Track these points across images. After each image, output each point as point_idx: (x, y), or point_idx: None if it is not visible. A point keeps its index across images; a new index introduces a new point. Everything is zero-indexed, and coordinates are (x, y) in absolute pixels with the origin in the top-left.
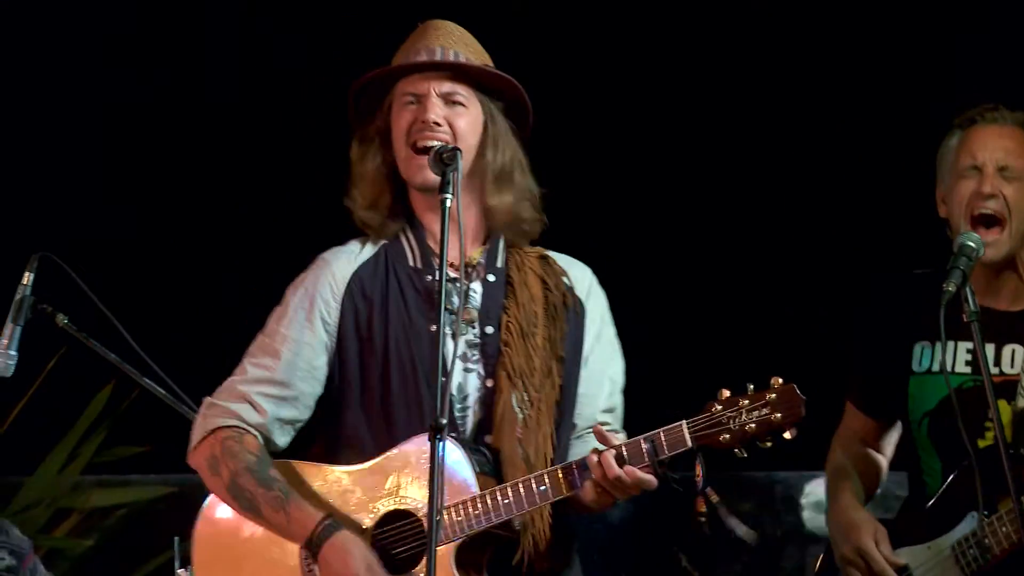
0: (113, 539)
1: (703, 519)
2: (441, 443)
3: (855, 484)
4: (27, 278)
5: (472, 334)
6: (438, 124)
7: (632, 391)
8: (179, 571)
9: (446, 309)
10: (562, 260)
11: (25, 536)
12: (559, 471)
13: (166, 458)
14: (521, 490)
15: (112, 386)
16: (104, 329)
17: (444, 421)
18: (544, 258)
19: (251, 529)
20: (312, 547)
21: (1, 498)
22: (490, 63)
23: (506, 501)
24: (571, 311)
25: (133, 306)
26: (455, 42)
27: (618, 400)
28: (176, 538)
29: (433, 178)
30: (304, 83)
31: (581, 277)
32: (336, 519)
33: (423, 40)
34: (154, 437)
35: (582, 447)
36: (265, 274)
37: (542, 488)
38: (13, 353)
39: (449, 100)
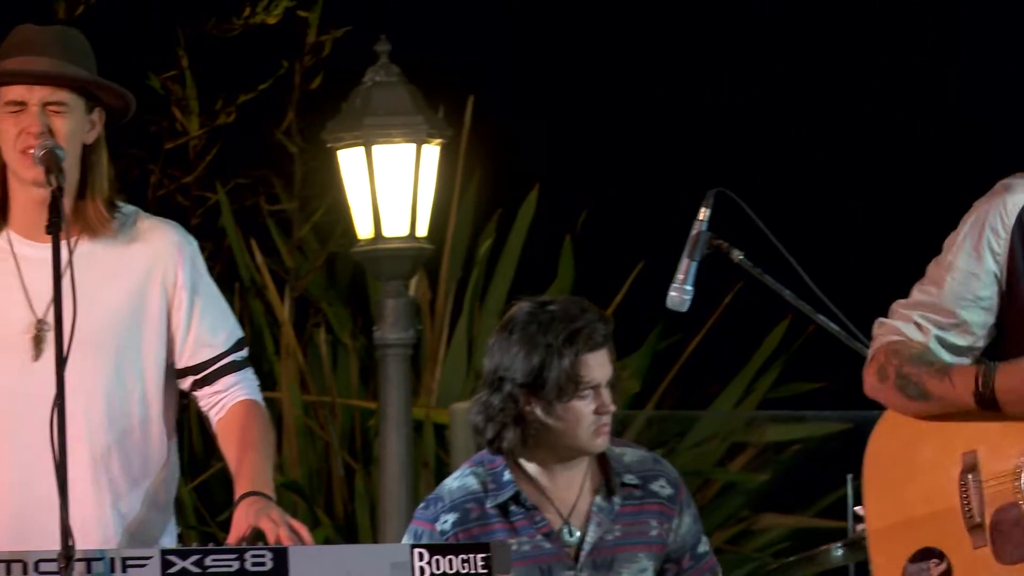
0: (788, 474)
1: None
2: None
3: None
4: (703, 213)
5: None
6: None
7: None
8: (854, 508)
9: None
10: None
11: (674, 468)
12: None
13: (841, 394)
14: None
15: (787, 322)
16: (779, 265)
17: None
18: None
19: (918, 450)
20: (984, 395)
21: (677, 431)
22: None
23: None
24: None
25: (808, 241)
26: None
27: None
28: (849, 476)
29: None
30: None
31: None
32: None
33: None
34: (829, 373)
35: None
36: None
37: None
38: (689, 288)
39: None
